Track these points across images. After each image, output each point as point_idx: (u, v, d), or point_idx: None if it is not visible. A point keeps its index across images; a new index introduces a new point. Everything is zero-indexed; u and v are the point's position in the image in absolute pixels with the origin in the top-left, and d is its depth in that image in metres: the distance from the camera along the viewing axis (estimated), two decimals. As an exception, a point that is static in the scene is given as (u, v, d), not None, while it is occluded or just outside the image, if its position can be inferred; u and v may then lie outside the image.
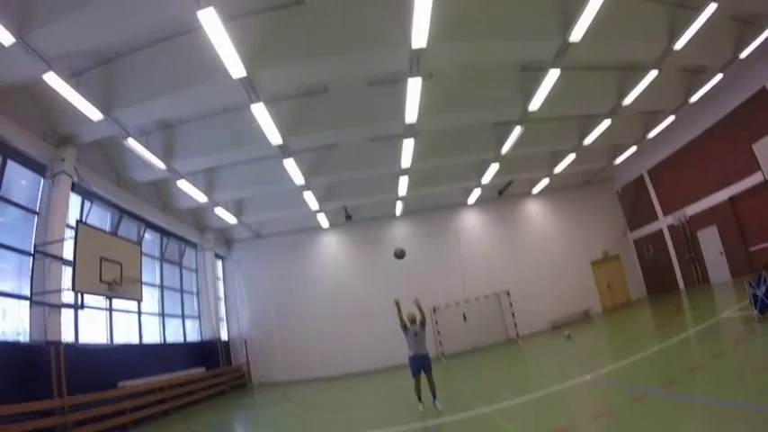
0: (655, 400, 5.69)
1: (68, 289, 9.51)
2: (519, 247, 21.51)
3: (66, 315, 10.38)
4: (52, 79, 8.57)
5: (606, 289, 21.48)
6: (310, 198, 16.62)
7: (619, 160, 19.86)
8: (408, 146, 13.74)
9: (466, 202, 21.37)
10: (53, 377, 8.94)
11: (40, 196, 10.22)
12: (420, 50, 9.20)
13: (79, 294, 10.18)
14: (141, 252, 11.93)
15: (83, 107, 9.47)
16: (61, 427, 8.59)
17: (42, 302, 9.33)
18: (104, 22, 7.99)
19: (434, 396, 8.03)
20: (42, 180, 10.31)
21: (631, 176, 21.55)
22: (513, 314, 19.03)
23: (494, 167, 17.07)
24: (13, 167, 9.67)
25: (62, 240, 9.89)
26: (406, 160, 14.66)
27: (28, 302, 9.30)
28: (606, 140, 17.17)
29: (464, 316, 19.46)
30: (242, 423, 11.57)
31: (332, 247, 21.28)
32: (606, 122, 15.15)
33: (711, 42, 12.19)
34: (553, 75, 11.29)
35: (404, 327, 8.40)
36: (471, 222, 21.81)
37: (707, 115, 16.17)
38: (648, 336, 11.74)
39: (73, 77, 9.16)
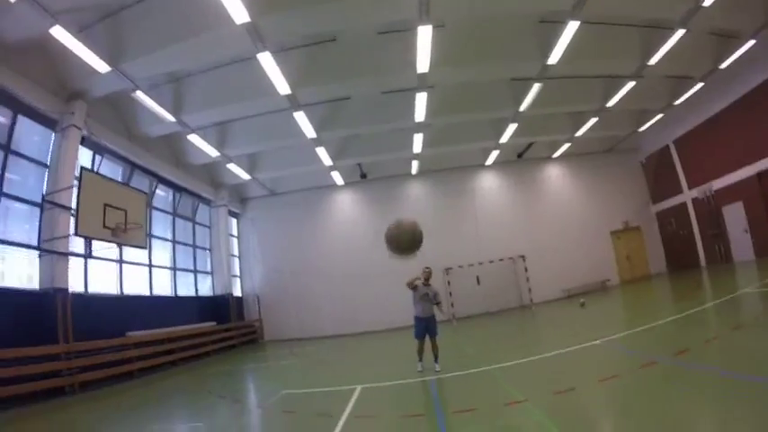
0: (665, 367, 5.39)
1: (74, 234, 9.59)
2: (537, 212, 20.94)
3: (77, 267, 10.51)
4: (59, 33, 8.59)
5: (625, 260, 20.89)
6: (323, 154, 16.40)
7: (644, 128, 19.02)
8: (422, 99, 13.35)
9: (484, 164, 20.81)
10: (59, 324, 9.08)
11: (50, 150, 10.24)
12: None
13: (87, 243, 10.30)
14: (150, 201, 11.91)
15: (90, 60, 9.48)
16: (66, 371, 8.75)
17: (50, 251, 9.42)
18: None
19: (436, 359, 7.88)
20: (53, 135, 10.32)
21: (656, 146, 20.54)
22: (527, 279, 18.79)
23: (512, 127, 16.54)
24: (25, 123, 9.70)
25: (70, 188, 9.92)
26: (420, 114, 14.23)
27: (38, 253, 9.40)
28: (631, 104, 16.44)
29: (477, 279, 19.25)
30: (244, 374, 11.70)
31: (346, 205, 21.07)
32: (630, 84, 14.43)
33: (743, 3, 11.37)
34: (572, 27, 10.73)
35: (413, 287, 8.07)
36: (488, 184, 21.28)
37: (738, 84, 15.11)
38: (665, 307, 11.26)
39: (81, 32, 9.07)
